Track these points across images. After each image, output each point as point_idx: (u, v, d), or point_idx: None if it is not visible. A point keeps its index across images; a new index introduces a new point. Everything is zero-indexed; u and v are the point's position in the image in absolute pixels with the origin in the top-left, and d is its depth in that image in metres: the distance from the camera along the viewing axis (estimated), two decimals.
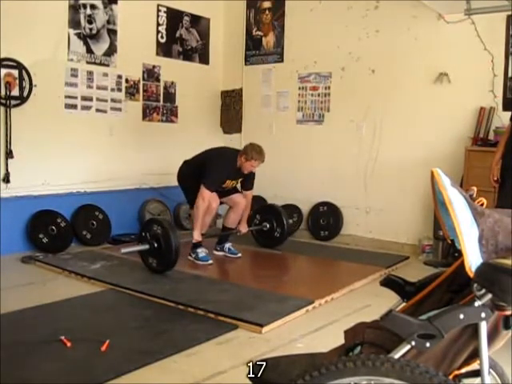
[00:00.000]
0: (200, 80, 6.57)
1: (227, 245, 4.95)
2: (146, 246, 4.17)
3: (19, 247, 4.86)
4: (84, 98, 5.40)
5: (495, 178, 3.82)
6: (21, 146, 4.84)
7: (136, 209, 5.93)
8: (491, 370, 1.55)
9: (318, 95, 6.10)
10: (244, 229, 4.96)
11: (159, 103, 6.16)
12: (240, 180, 4.80)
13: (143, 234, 4.23)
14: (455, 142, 5.14)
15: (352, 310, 3.52)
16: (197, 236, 4.63)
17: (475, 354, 1.34)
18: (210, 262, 4.61)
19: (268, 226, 5.27)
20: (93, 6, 5.41)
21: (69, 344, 2.75)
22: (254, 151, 4.60)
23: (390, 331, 1.33)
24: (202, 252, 4.64)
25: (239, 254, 4.88)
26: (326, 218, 5.95)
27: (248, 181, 4.85)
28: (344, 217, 5.92)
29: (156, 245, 4.12)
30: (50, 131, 5.10)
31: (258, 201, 6.42)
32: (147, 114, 6.04)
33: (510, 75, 4.88)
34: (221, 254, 4.93)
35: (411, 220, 5.47)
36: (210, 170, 4.54)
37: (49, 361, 2.60)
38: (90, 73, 5.44)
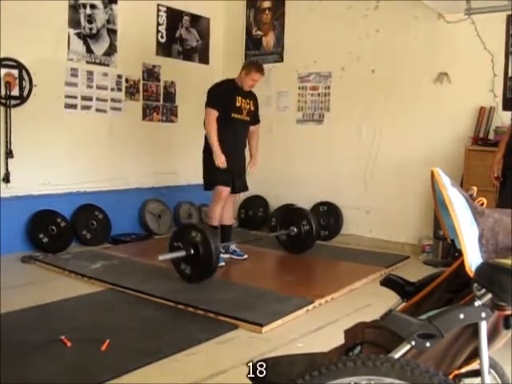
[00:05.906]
0: (200, 80, 6.56)
1: (232, 246, 4.82)
2: (183, 253, 3.88)
3: (19, 247, 4.86)
4: (84, 98, 5.40)
5: (495, 175, 3.82)
6: (21, 146, 4.84)
7: (136, 209, 5.92)
8: (491, 370, 1.55)
9: (318, 95, 6.10)
10: (254, 165, 4.87)
11: (159, 103, 6.16)
12: (251, 106, 4.70)
13: (174, 243, 3.97)
14: (455, 141, 5.13)
15: (352, 309, 3.52)
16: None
17: (475, 354, 1.34)
18: (246, 256, 4.76)
19: (296, 230, 4.94)
20: (93, 6, 5.41)
21: (69, 344, 2.75)
22: (253, 64, 4.71)
23: (389, 331, 1.33)
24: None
25: (245, 256, 4.78)
26: (326, 218, 5.95)
27: (256, 113, 4.81)
28: (344, 216, 5.92)
29: (193, 251, 3.85)
30: (50, 131, 5.10)
31: (258, 200, 6.45)
32: (147, 113, 6.04)
33: (510, 75, 4.88)
34: (227, 256, 4.74)
35: (411, 220, 5.46)
36: (208, 94, 4.60)
37: (49, 361, 2.60)
38: (90, 72, 5.44)
